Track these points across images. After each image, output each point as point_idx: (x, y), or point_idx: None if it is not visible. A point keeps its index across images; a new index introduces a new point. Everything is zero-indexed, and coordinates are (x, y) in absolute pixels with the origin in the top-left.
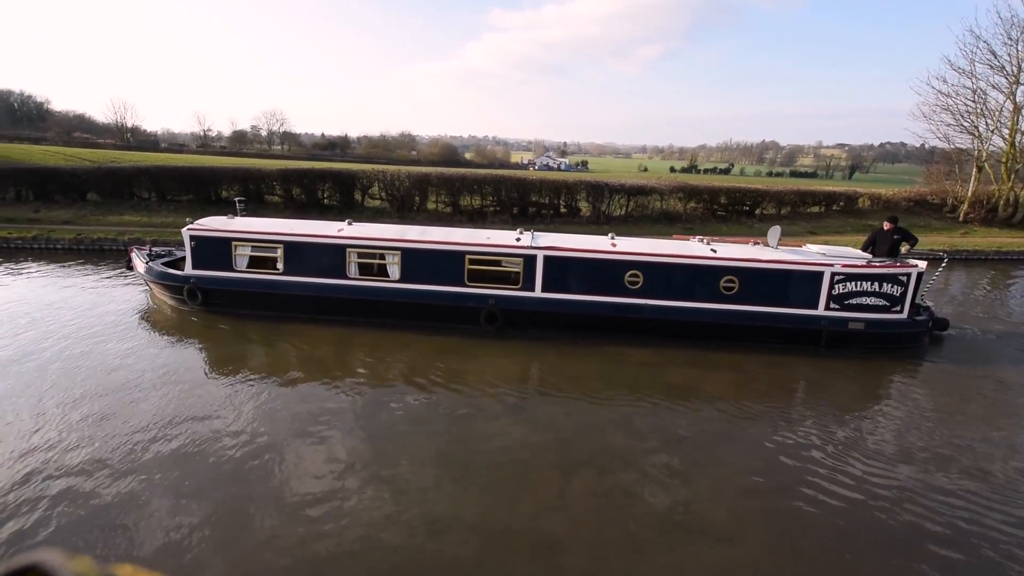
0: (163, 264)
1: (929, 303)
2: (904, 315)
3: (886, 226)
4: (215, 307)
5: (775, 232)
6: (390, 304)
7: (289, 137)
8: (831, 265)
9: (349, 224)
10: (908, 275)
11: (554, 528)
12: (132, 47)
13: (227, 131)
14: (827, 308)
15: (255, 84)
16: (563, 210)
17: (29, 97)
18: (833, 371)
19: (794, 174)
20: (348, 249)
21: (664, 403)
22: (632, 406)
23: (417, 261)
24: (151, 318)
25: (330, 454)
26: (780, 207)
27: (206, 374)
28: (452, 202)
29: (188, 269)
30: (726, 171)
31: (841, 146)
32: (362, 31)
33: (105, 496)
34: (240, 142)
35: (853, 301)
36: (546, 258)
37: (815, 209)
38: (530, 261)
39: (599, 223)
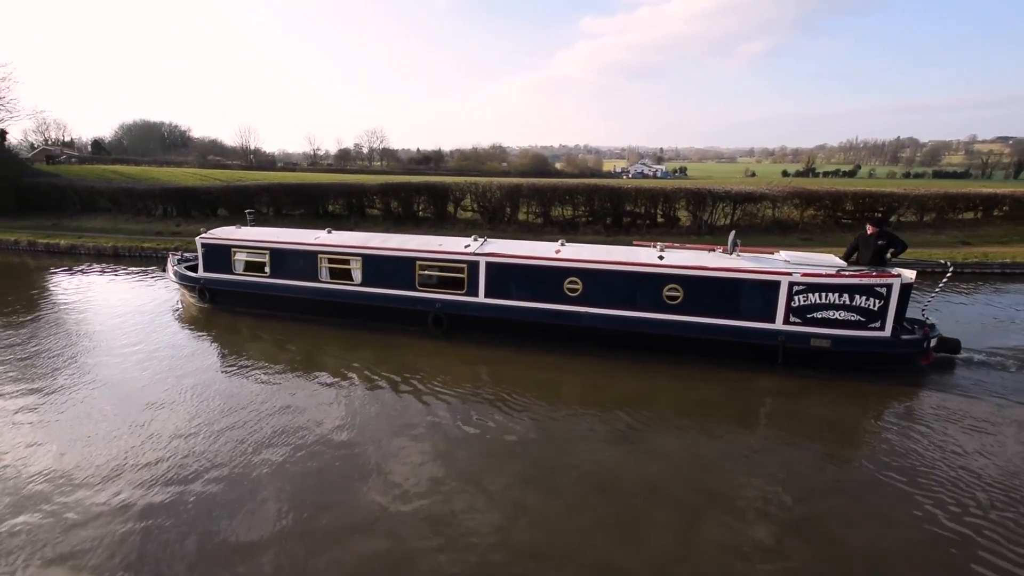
0: (186, 268)
1: (932, 320)
2: (886, 333)
3: (869, 229)
4: (220, 305)
5: (732, 237)
6: (353, 306)
7: (388, 153)
8: (789, 274)
9: (328, 232)
10: (888, 286)
11: None
12: (255, 78)
13: (333, 149)
14: (786, 322)
15: (358, 105)
16: (660, 220)
17: (175, 127)
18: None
19: (938, 175)
20: (319, 255)
21: (804, 442)
22: (762, 442)
23: (375, 266)
24: (182, 313)
25: (420, 469)
26: (922, 213)
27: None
28: (543, 212)
29: (200, 272)
30: (851, 173)
31: (1003, 140)
32: (455, 51)
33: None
34: (344, 159)
35: (817, 315)
36: (488, 264)
37: (969, 215)
38: (473, 267)
39: (700, 233)
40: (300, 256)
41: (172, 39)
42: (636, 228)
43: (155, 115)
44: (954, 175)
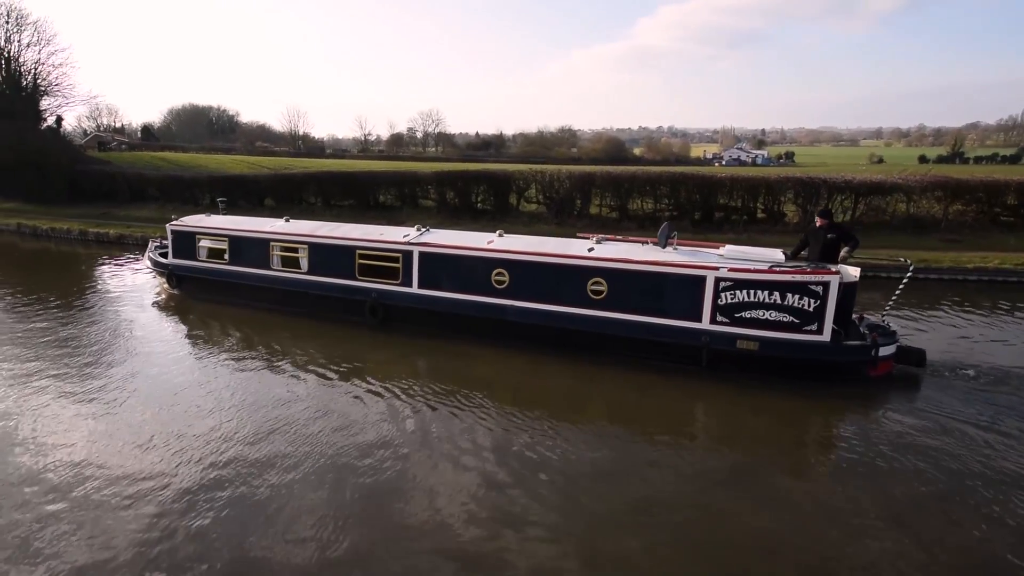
0: (159, 254)
1: (893, 326)
2: (823, 337)
3: (818, 222)
4: (187, 290)
5: (663, 228)
6: (300, 294)
7: (444, 138)
8: (716, 269)
9: (286, 221)
10: (824, 284)
11: None
12: (304, 58)
13: (385, 134)
14: (712, 321)
15: (412, 84)
16: (761, 215)
17: (224, 111)
18: None
19: None
20: (271, 243)
21: (986, 490)
22: (909, 496)
23: (319, 255)
24: (155, 298)
25: (495, 507)
26: None
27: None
28: (619, 206)
29: (170, 258)
30: (1014, 158)
31: None
32: (517, 22)
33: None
34: (397, 145)
35: (746, 315)
36: (421, 254)
37: None
38: (408, 257)
39: None
40: (254, 244)
41: (222, 18)
42: (730, 224)
43: (203, 99)
44: None
